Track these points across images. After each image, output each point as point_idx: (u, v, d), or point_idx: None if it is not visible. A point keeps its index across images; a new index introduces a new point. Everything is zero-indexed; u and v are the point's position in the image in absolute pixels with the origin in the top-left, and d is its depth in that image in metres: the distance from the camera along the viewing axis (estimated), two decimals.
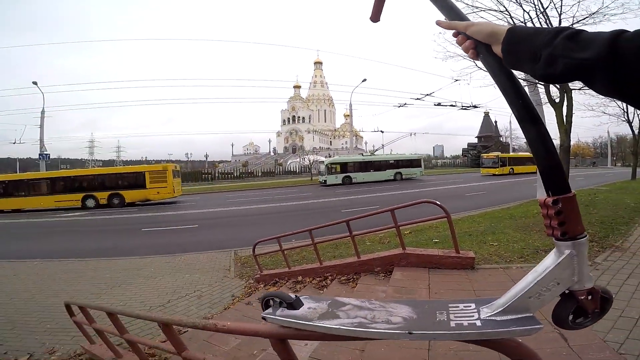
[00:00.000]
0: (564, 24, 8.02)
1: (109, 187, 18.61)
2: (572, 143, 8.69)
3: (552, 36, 0.51)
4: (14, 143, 30.30)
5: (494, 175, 30.76)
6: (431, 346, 2.08)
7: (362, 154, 32.53)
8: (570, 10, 7.83)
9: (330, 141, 79.71)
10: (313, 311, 0.86)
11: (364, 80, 31.23)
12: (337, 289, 4.16)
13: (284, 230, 5.46)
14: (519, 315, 0.70)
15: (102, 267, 6.66)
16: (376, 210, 4.29)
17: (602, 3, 7.45)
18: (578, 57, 0.47)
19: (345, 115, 71.47)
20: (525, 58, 0.56)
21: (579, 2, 7.63)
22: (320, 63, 79.51)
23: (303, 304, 0.89)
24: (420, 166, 31.13)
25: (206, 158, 67.41)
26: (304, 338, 0.92)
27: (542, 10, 8.03)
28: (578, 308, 0.68)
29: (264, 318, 0.89)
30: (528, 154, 35.04)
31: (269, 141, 77.61)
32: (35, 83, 24.50)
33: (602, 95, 0.50)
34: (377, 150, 35.16)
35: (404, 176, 29.18)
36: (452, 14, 0.70)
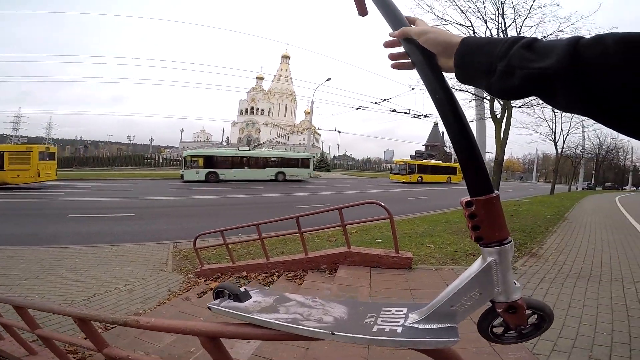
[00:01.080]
0: None
1: None
2: (505, 157, 9.66)
3: (508, 46, 0.48)
4: None
5: (403, 182, 29.21)
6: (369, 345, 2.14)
7: (238, 149, 28.40)
8: (529, 31, 8.67)
9: (289, 136, 78.95)
10: (256, 304, 0.86)
11: (329, 79, 31.19)
12: (283, 285, 4.12)
13: (230, 224, 5.26)
14: (441, 325, 0.65)
15: (17, 256, 5.82)
16: (326, 208, 4.36)
17: (558, 26, 8.28)
18: (537, 66, 0.43)
19: (305, 112, 71.25)
20: (480, 71, 0.51)
21: (538, 24, 8.47)
22: (288, 57, 78.17)
23: (251, 297, 0.89)
24: (309, 166, 26.85)
25: (151, 142, 62.85)
26: (234, 337, 0.88)
27: (503, 29, 8.79)
28: (504, 323, 0.63)
29: (209, 307, 0.89)
30: (440, 163, 36.27)
31: (223, 130, 74.58)
32: None
33: (561, 109, 0.46)
34: (260, 144, 29.80)
35: (287, 177, 25.32)
36: (396, 20, 0.64)
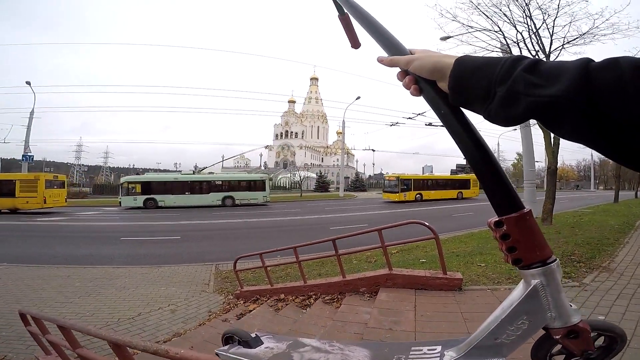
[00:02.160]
0: (555, 44, 8.32)
1: None
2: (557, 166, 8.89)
3: (508, 68, 0.42)
4: None
5: (395, 202, 24.85)
6: None
7: (181, 172, 26.71)
8: (562, 31, 8.14)
9: (322, 158, 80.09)
10: (268, 351, 0.81)
11: (358, 97, 31.57)
12: (320, 308, 3.98)
13: (270, 246, 5.30)
14: None
15: (73, 274, 6.30)
16: (364, 230, 4.24)
17: (593, 23, 7.72)
18: (546, 94, 0.38)
19: (337, 133, 72.14)
20: (477, 95, 0.46)
21: (570, 22, 7.92)
22: (317, 79, 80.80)
23: (262, 343, 0.84)
24: (264, 189, 24.24)
25: (195, 168, 66.83)
26: None
27: (534, 30, 8.34)
28: (565, 349, 0.56)
29: (217, 354, 0.85)
30: (447, 176, 32.39)
31: (260, 155, 77.57)
32: (28, 83, 24.02)
33: (566, 138, 0.41)
34: (204, 169, 28.36)
35: (237, 201, 23.30)
36: (392, 47, 0.59)
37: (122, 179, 23.70)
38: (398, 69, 0.58)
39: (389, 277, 3.91)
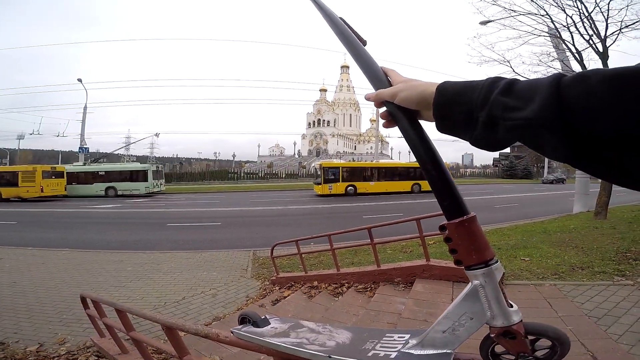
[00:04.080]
0: (611, 29, 7.45)
1: None
2: None
3: (485, 93, 0.42)
4: (57, 136, 32.81)
5: (321, 196, 20.66)
6: None
7: (85, 163, 26.00)
8: (618, 15, 7.25)
9: (355, 145, 79.32)
10: (272, 330, 0.95)
11: None
12: (352, 297, 4.01)
13: (304, 233, 5.40)
14: (436, 351, 0.65)
15: (125, 259, 6.87)
16: (401, 219, 4.15)
17: None
18: (520, 117, 0.38)
19: (371, 120, 70.83)
20: (460, 122, 0.46)
21: (627, 5, 7.03)
22: (347, 67, 79.26)
23: (269, 324, 0.98)
24: (146, 180, 23.27)
25: (233, 158, 69.48)
26: None
27: (586, 14, 7.50)
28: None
29: (232, 332, 1.00)
30: (396, 163, 26.35)
31: (294, 143, 78.63)
32: (80, 80, 26.29)
33: (553, 158, 0.40)
34: (98, 159, 27.60)
35: (120, 192, 22.92)
36: (376, 80, 0.60)
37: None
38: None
39: (426, 268, 3.83)
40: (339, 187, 20.93)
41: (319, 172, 21.23)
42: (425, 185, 21.04)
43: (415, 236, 3.94)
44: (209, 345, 2.95)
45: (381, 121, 0.60)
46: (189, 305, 4.54)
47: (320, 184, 20.92)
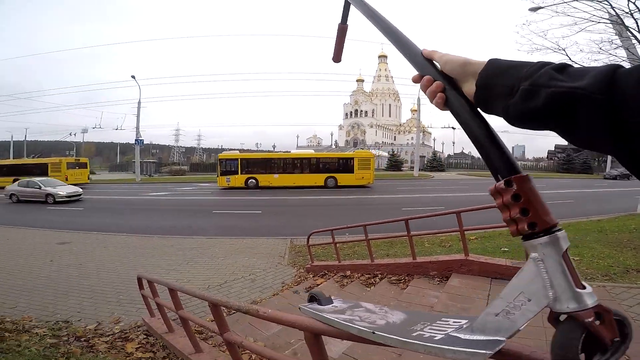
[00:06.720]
0: None
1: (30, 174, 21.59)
2: None
3: (537, 69, 0.42)
4: (116, 129, 36.07)
5: (223, 189, 19.91)
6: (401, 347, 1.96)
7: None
8: None
9: (395, 136, 77.23)
10: (332, 308, 1.00)
11: None
12: (385, 288, 4.04)
13: (338, 224, 5.47)
14: (484, 337, 0.55)
15: (177, 244, 7.49)
16: (441, 212, 4.05)
17: None
18: (567, 85, 0.38)
19: (412, 110, 68.30)
20: (500, 93, 0.46)
21: None
22: (385, 57, 76.86)
23: (332, 303, 1.04)
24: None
25: (273, 148, 71.33)
26: (328, 334, 1.03)
27: None
28: (588, 338, 0.42)
29: (299, 308, 1.07)
30: (311, 154, 23.00)
31: (332, 134, 78.49)
32: (133, 77, 28.47)
33: (579, 144, 0.40)
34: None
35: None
36: (405, 47, 0.61)
37: None
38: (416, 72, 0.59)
39: (464, 263, 3.74)
40: (238, 179, 20.15)
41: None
42: (342, 179, 20.11)
43: (454, 229, 3.83)
44: (244, 327, 3.18)
45: (424, 104, 0.61)
46: (230, 288, 4.88)
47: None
